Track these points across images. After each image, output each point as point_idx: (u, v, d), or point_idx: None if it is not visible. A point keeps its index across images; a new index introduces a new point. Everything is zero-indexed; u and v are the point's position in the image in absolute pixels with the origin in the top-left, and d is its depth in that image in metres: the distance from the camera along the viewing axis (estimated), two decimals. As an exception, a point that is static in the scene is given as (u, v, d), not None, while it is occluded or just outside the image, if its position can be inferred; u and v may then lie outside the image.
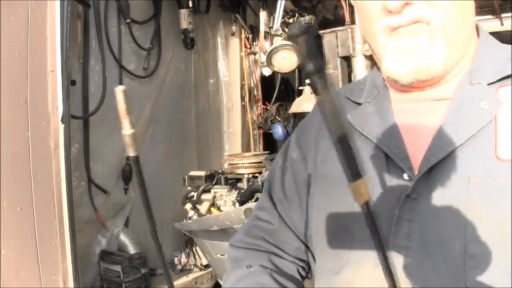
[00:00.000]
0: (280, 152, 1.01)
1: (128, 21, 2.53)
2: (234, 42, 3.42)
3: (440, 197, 0.71)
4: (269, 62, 2.62)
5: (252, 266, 0.92)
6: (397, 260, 0.72)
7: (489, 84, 0.74)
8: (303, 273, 0.94)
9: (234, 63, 3.41)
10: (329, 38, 2.34)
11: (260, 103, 3.49)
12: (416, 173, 0.73)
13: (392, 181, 0.75)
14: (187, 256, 2.77)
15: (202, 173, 2.45)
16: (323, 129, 0.90)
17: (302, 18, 2.83)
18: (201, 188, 2.37)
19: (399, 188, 0.74)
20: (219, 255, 2.31)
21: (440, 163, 0.72)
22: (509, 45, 0.80)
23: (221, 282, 2.56)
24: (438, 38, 0.72)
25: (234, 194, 2.33)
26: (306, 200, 0.90)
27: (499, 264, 0.66)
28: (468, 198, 0.69)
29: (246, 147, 3.47)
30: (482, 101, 0.72)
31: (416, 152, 0.75)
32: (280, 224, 0.93)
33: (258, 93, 3.51)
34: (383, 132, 0.79)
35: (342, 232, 0.80)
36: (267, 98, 3.43)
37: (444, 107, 0.76)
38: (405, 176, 0.74)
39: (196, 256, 2.77)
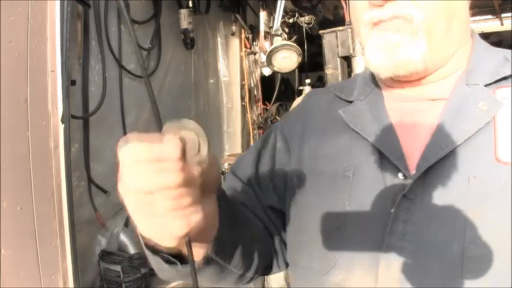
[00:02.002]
0: (260, 139, 0.96)
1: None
2: (234, 42, 3.42)
3: (438, 197, 0.70)
4: (269, 62, 2.63)
5: None
6: (391, 260, 0.70)
7: (486, 85, 0.73)
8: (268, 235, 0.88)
9: (234, 63, 3.41)
10: (329, 38, 2.35)
11: (260, 103, 3.49)
12: (413, 172, 0.72)
13: (386, 180, 0.74)
14: (187, 256, 2.76)
15: (202, 173, 2.44)
16: (310, 123, 0.89)
17: (302, 18, 2.84)
18: (201, 188, 2.37)
19: (393, 187, 0.72)
20: (219, 255, 2.31)
21: (438, 163, 0.70)
22: (501, 49, 0.80)
23: (221, 282, 2.56)
24: (420, 36, 0.72)
25: (234, 194, 2.33)
26: (283, 193, 0.87)
27: (497, 267, 0.65)
28: (467, 199, 0.68)
29: (246, 147, 3.47)
30: (480, 102, 0.71)
31: (412, 151, 0.73)
32: (255, 199, 0.88)
33: (258, 93, 3.51)
34: (377, 130, 0.77)
35: (332, 233, 0.77)
36: (267, 98, 3.43)
37: (440, 107, 0.75)
38: (400, 175, 0.73)
39: (196, 256, 2.76)
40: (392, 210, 0.71)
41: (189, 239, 0.50)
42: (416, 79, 0.77)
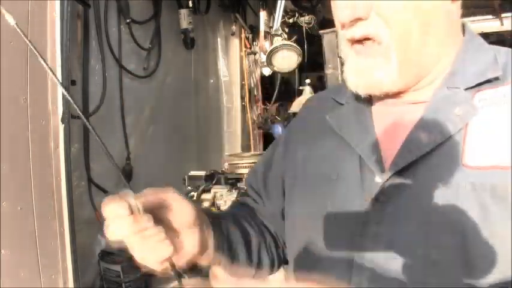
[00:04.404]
0: (271, 145, 1.04)
1: (127, 21, 2.53)
2: (234, 42, 3.42)
3: (407, 201, 0.71)
4: (269, 62, 2.63)
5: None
6: (363, 261, 0.72)
7: (466, 89, 0.73)
8: (273, 247, 0.95)
9: (234, 63, 3.41)
10: (329, 38, 2.35)
11: (260, 103, 3.50)
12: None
13: (365, 183, 0.76)
14: (187, 256, 2.76)
15: (202, 173, 2.44)
16: (307, 126, 0.92)
17: (302, 18, 2.84)
18: (201, 188, 2.37)
19: (370, 190, 0.74)
20: (219, 255, 2.31)
21: (408, 167, 0.71)
22: (496, 47, 0.78)
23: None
24: (392, 58, 0.72)
25: (234, 194, 2.33)
26: (282, 195, 0.93)
27: (459, 273, 0.65)
28: (433, 204, 0.68)
29: (246, 147, 3.47)
30: (456, 107, 0.71)
31: (390, 155, 0.75)
32: (262, 207, 0.98)
33: (258, 93, 3.52)
34: (359, 134, 0.80)
35: (315, 232, 0.81)
36: (267, 98, 3.43)
37: (421, 110, 0.75)
38: (377, 178, 0.74)
39: (196, 256, 2.76)
40: (364, 213, 0.74)
41: (172, 263, 0.68)
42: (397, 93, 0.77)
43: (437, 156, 0.70)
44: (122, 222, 0.64)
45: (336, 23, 0.77)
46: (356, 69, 0.76)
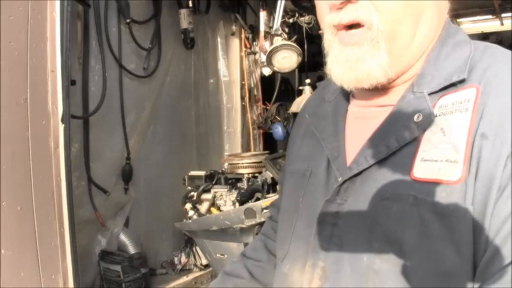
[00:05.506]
0: None
1: (128, 21, 2.53)
2: (234, 42, 3.42)
3: (358, 207, 0.71)
4: (269, 62, 2.62)
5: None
6: (316, 260, 0.74)
7: (431, 93, 0.70)
8: None
9: (234, 63, 3.41)
10: (329, 38, 2.34)
11: (260, 103, 3.50)
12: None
13: (329, 183, 0.77)
14: (187, 256, 2.77)
15: (202, 173, 2.44)
16: (301, 126, 0.94)
17: (302, 18, 2.83)
18: (201, 188, 2.37)
19: (331, 190, 0.75)
20: (219, 255, 2.31)
21: (362, 173, 0.72)
22: (479, 43, 0.73)
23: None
24: (381, 46, 0.69)
25: (234, 194, 2.33)
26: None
27: (400, 282, 0.65)
28: (378, 214, 0.68)
29: (246, 147, 3.47)
30: (416, 114, 0.69)
31: (352, 158, 0.75)
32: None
33: (258, 93, 3.51)
34: (331, 134, 0.81)
35: (288, 226, 0.84)
36: (267, 98, 3.43)
37: (387, 114, 0.74)
38: (340, 179, 0.74)
39: (196, 256, 2.77)
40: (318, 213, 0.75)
41: None
42: (382, 88, 0.75)
43: (391, 163, 0.69)
44: None
45: (321, 9, 0.75)
46: (342, 60, 0.72)
